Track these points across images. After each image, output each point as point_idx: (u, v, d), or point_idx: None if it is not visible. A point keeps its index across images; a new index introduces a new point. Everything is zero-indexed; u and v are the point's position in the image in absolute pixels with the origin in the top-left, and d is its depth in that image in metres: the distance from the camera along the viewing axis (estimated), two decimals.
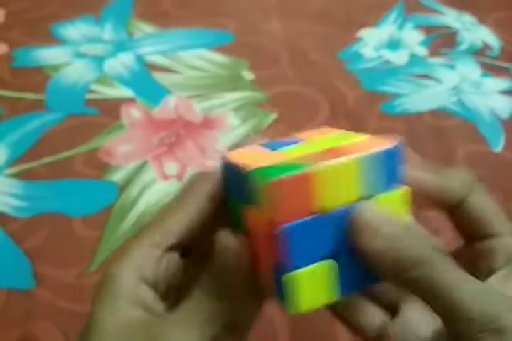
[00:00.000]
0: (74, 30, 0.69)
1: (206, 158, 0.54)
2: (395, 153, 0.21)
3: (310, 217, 0.19)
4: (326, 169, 0.19)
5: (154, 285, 0.23)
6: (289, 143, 0.22)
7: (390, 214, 0.20)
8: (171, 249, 0.23)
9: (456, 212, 0.24)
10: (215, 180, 0.23)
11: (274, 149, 0.22)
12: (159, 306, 0.22)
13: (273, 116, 0.59)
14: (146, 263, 0.23)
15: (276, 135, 0.27)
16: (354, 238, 0.20)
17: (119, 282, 0.22)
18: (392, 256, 0.19)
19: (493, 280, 0.21)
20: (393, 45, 0.70)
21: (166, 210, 0.24)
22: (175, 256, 0.23)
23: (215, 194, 0.23)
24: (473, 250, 0.23)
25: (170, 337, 0.21)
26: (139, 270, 0.22)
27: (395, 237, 0.19)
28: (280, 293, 0.20)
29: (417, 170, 0.23)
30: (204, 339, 0.21)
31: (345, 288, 0.21)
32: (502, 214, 0.23)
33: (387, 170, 0.20)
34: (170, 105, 0.59)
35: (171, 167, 0.53)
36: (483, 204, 0.23)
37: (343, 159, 0.19)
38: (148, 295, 0.22)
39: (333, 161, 0.19)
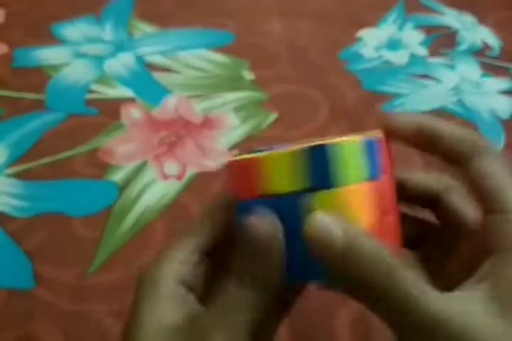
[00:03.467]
0: (74, 30, 0.69)
1: (206, 158, 0.54)
2: (349, 147, 0.21)
3: (255, 198, 0.21)
4: (272, 156, 0.20)
5: (191, 288, 0.23)
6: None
7: (338, 227, 0.20)
8: (203, 252, 0.24)
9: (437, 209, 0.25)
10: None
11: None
12: (198, 307, 0.23)
13: (273, 116, 0.59)
14: (185, 266, 0.23)
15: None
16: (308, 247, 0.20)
17: (161, 284, 0.23)
18: (346, 274, 0.20)
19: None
20: (393, 45, 0.70)
21: (203, 214, 0.25)
22: (207, 261, 0.24)
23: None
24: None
25: (215, 333, 0.21)
26: (179, 273, 0.23)
27: (343, 258, 0.19)
28: None
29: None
30: (246, 332, 0.21)
31: (291, 276, 0.21)
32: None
33: (343, 163, 0.20)
34: (170, 105, 0.59)
35: (171, 167, 0.53)
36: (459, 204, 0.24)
37: (291, 148, 0.20)
38: (189, 297, 0.23)
39: (282, 150, 0.21)
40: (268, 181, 0.21)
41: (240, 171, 0.22)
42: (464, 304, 0.19)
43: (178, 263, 0.23)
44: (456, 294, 0.19)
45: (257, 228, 0.21)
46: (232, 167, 0.22)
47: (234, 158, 0.22)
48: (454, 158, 0.22)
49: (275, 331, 0.25)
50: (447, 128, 0.23)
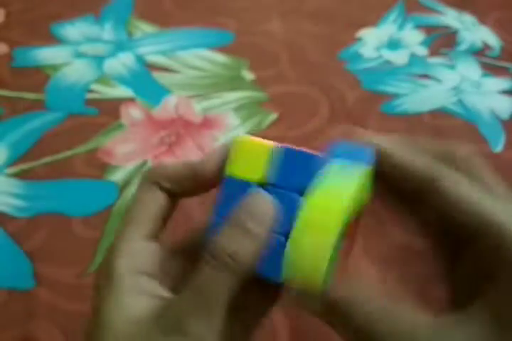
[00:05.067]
0: (74, 30, 0.69)
1: None
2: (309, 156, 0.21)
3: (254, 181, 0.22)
4: (244, 140, 0.22)
5: (154, 276, 0.22)
6: None
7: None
8: (152, 237, 0.23)
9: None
10: (175, 167, 0.23)
11: None
12: (167, 295, 0.21)
13: (273, 116, 0.59)
14: (140, 255, 0.22)
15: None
16: None
17: (119, 277, 0.21)
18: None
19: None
20: (393, 45, 0.70)
21: (136, 202, 0.24)
22: (156, 244, 0.23)
23: (177, 181, 0.23)
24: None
25: (191, 318, 0.19)
26: (136, 262, 0.22)
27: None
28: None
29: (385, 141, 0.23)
30: (224, 315, 0.20)
31: (261, 270, 0.21)
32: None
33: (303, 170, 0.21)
34: (170, 105, 0.59)
35: None
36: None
37: (262, 140, 0.22)
38: (151, 284, 0.22)
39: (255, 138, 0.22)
40: (236, 164, 0.22)
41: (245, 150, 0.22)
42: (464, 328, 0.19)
43: (131, 253, 0.22)
44: (457, 315, 0.19)
45: (258, 204, 0.20)
46: (239, 144, 0.22)
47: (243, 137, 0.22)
48: (416, 185, 0.21)
49: (257, 320, 0.24)
50: (403, 155, 0.22)
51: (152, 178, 0.23)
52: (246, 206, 0.21)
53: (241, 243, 0.20)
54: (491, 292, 0.19)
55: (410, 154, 0.22)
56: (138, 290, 0.21)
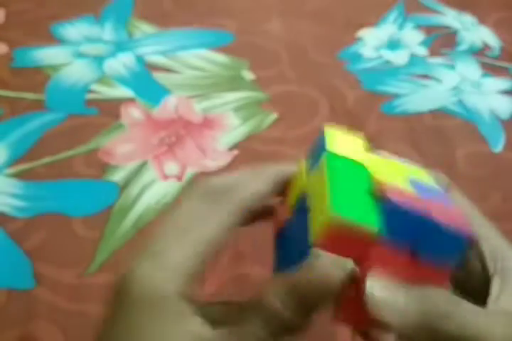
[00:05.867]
0: (74, 30, 0.69)
1: (206, 158, 0.54)
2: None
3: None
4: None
5: (195, 301, 0.19)
6: None
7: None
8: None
9: None
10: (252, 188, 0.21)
11: None
12: (206, 329, 0.18)
13: (273, 116, 0.59)
14: (188, 271, 0.19)
15: None
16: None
17: (163, 300, 0.18)
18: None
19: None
20: (393, 45, 0.70)
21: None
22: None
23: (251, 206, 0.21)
24: None
25: None
26: (182, 282, 0.19)
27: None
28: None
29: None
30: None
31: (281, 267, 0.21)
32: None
33: None
34: (170, 105, 0.59)
35: (171, 167, 0.53)
36: None
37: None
38: (193, 310, 0.18)
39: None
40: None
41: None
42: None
43: (181, 268, 0.18)
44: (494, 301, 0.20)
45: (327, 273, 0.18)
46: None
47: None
48: None
49: None
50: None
51: (225, 195, 0.21)
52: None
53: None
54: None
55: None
56: (182, 319, 0.18)
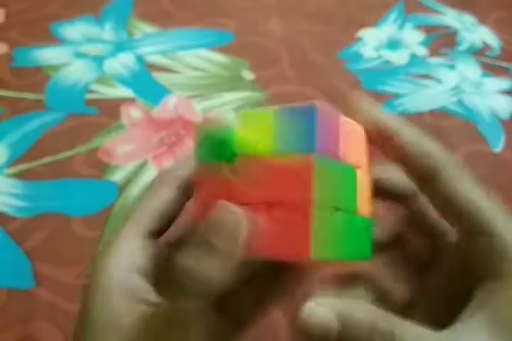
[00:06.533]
0: (74, 30, 0.69)
1: None
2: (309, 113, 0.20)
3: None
4: (246, 113, 0.21)
5: (145, 275, 0.22)
6: None
7: None
8: (151, 236, 0.22)
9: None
10: (187, 169, 0.23)
11: None
12: (152, 295, 0.21)
13: None
14: (134, 252, 0.22)
15: None
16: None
17: (107, 275, 0.21)
18: None
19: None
20: (393, 45, 0.70)
21: (141, 200, 0.23)
22: (154, 243, 0.23)
23: (187, 183, 0.23)
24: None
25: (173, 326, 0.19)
26: (129, 259, 0.21)
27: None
28: None
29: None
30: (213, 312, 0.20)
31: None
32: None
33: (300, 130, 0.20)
34: (170, 105, 0.59)
35: None
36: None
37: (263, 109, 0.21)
38: (141, 286, 0.21)
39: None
40: (244, 139, 0.21)
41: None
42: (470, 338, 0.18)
43: (126, 249, 0.21)
44: (458, 328, 0.19)
45: (224, 218, 0.19)
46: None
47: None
48: (416, 170, 0.21)
49: (252, 319, 0.23)
50: (411, 135, 0.21)
51: (163, 178, 0.23)
52: (211, 221, 0.19)
53: (207, 262, 0.19)
54: (491, 303, 0.19)
55: (417, 136, 0.21)
56: (125, 291, 0.20)
